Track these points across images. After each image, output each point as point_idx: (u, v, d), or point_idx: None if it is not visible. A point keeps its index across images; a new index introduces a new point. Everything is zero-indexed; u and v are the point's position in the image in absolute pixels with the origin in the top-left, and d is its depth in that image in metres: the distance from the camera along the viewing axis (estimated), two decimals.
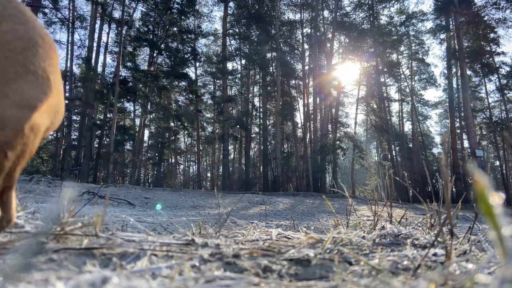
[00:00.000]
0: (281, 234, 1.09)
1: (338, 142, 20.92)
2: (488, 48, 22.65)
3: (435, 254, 0.78)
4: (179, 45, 22.34)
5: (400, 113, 28.85)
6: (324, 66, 23.06)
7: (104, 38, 20.33)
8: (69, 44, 19.39)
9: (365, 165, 23.46)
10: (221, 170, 27.91)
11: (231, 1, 23.12)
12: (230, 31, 23.19)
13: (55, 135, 22.91)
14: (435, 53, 71.28)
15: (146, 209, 5.92)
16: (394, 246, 0.94)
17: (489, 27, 21.55)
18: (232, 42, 25.21)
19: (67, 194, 0.52)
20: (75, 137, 22.61)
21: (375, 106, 27.51)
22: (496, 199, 0.40)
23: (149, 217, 4.66)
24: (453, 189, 19.32)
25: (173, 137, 26.28)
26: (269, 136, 25.79)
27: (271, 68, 24.01)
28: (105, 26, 20.36)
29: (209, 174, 37.63)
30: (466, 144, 22.90)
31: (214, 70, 26.90)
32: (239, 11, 23.81)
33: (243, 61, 26.73)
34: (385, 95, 27.28)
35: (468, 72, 22.85)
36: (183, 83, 21.89)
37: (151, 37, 21.11)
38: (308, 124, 23.40)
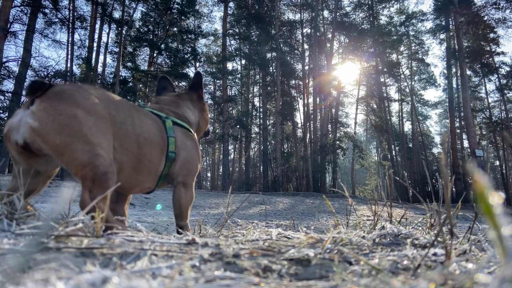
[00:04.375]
0: (281, 234, 1.09)
1: (338, 142, 20.92)
2: (488, 48, 22.64)
3: (435, 254, 0.78)
4: (179, 45, 22.33)
5: (400, 113, 28.85)
6: (324, 66, 23.05)
7: (104, 38, 20.33)
8: (69, 44, 19.37)
9: (365, 165, 23.46)
10: (221, 170, 27.91)
11: (231, 1, 23.11)
12: (230, 31, 23.18)
13: None
14: (435, 53, 71.39)
15: (146, 209, 5.92)
16: (394, 246, 0.94)
17: (489, 27, 21.54)
18: (232, 42, 25.22)
19: (67, 194, 0.52)
20: None
21: (375, 106, 27.50)
22: (496, 199, 0.40)
23: (149, 217, 4.66)
24: (453, 189, 19.31)
25: None
26: (269, 136, 25.78)
27: (271, 68, 24.01)
28: (105, 26, 20.35)
29: (209, 174, 37.64)
30: (466, 144, 22.91)
31: (214, 70, 26.88)
32: (239, 11, 23.80)
33: (243, 61, 26.74)
34: (385, 95, 27.27)
35: (468, 72, 22.85)
36: (183, 83, 21.88)
37: (151, 37, 21.10)
38: (308, 124, 23.40)
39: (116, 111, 1.33)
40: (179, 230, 1.52)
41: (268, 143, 25.26)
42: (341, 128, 22.93)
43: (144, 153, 1.39)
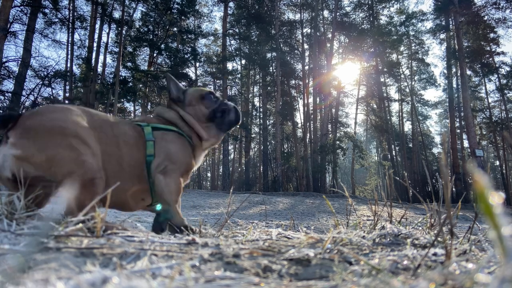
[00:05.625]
0: (281, 234, 1.09)
1: (338, 142, 20.90)
2: (488, 48, 22.64)
3: (435, 254, 0.78)
4: (179, 45, 22.33)
5: (400, 113, 28.84)
6: (324, 66, 23.05)
7: (104, 38, 20.32)
8: (69, 44, 19.38)
9: (365, 165, 23.45)
10: (221, 170, 27.92)
11: (231, 1, 23.11)
12: (230, 31, 23.18)
13: None
14: (435, 53, 71.35)
15: None
16: (394, 246, 0.94)
17: (489, 27, 21.54)
18: (232, 42, 25.22)
19: (67, 194, 0.52)
20: None
21: (375, 106, 27.49)
22: (496, 198, 0.40)
23: (149, 217, 4.66)
24: (453, 189, 19.31)
25: None
26: (269, 136, 25.77)
27: (271, 68, 24.00)
28: (105, 26, 20.34)
29: (209, 174, 37.65)
30: (466, 144, 22.91)
31: (214, 70, 26.88)
32: (239, 11, 23.80)
33: (243, 61, 26.74)
34: (385, 95, 27.26)
35: (468, 72, 22.84)
36: (183, 83, 21.86)
37: (151, 37, 21.09)
38: (308, 124, 23.39)
39: (92, 118, 1.35)
40: (168, 220, 1.41)
41: (268, 143, 25.26)
42: (341, 128, 22.93)
43: (123, 156, 1.38)
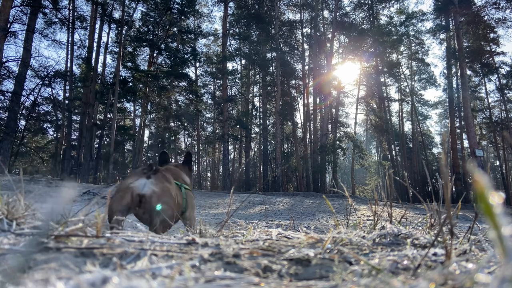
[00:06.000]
0: (281, 234, 1.09)
1: (338, 142, 20.89)
2: (488, 48, 22.63)
3: (435, 254, 0.78)
4: (179, 45, 22.32)
5: (400, 113, 28.84)
6: (324, 66, 23.04)
7: (104, 38, 20.32)
8: (69, 44, 19.39)
9: (365, 165, 23.43)
10: (221, 170, 27.92)
11: (231, 1, 23.10)
12: (230, 31, 23.17)
13: (55, 135, 22.88)
14: (435, 53, 71.38)
15: None
16: (394, 245, 0.94)
17: (489, 27, 21.53)
18: (232, 42, 25.22)
19: (67, 194, 0.52)
20: (75, 137, 22.60)
21: (375, 106, 27.48)
22: (496, 199, 0.40)
23: None
24: (453, 189, 19.31)
25: (173, 137, 26.26)
26: (269, 136, 25.76)
27: (271, 68, 24.00)
28: (105, 26, 20.35)
29: (209, 174, 37.65)
30: (466, 144, 22.89)
31: (214, 70, 26.87)
32: (239, 11, 23.79)
33: (243, 61, 26.73)
34: (385, 95, 27.25)
35: (468, 72, 22.82)
36: (183, 83, 21.87)
37: (151, 37, 21.08)
38: (308, 124, 23.39)
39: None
40: None
41: (268, 143, 25.24)
42: (341, 128, 22.92)
43: (177, 205, 1.99)
